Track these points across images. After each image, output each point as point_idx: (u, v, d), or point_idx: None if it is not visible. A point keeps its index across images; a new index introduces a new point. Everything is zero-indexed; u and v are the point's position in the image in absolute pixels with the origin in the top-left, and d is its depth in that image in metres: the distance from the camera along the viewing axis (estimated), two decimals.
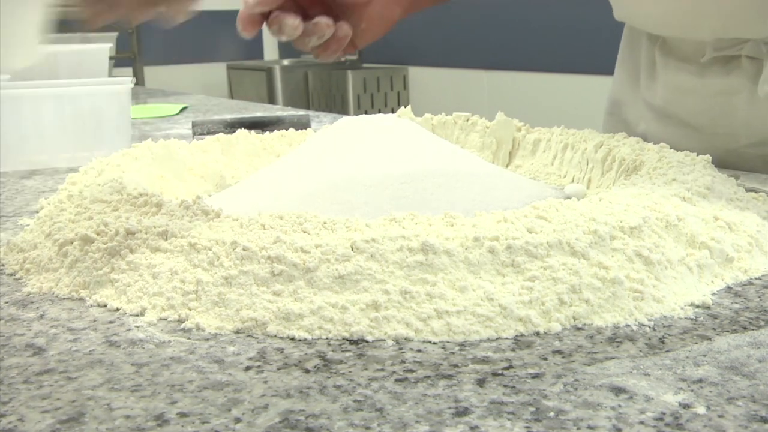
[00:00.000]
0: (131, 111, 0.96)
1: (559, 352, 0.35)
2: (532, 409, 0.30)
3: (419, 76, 3.69)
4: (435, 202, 0.52)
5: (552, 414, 0.29)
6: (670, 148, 0.61)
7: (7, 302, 0.43)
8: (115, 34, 3.14)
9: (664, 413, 0.29)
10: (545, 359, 0.34)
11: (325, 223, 0.42)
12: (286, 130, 0.76)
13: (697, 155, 0.58)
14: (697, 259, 0.43)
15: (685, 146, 0.67)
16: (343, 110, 3.62)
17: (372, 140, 0.59)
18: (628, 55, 0.92)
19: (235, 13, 0.57)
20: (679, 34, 0.80)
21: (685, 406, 0.30)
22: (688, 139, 0.79)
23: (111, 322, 0.40)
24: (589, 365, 0.34)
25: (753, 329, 0.37)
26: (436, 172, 0.57)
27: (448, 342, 0.36)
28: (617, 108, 0.92)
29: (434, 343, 0.36)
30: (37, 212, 0.60)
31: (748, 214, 0.50)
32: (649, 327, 0.38)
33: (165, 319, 0.40)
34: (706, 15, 0.75)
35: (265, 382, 0.33)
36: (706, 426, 0.28)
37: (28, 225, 0.57)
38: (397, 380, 0.33)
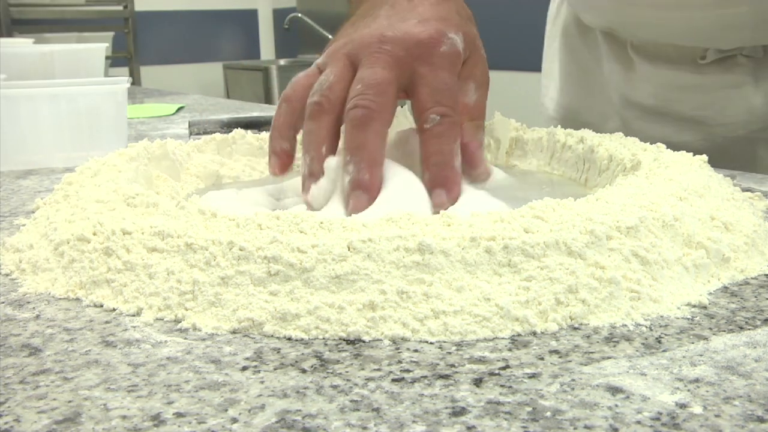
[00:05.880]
0: (128, 111, 0.96)
1: (555, 351, 0.35)
2: (529, 409, 0.30)
3: None
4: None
5: (549, 414, 0.29)
6: (666, 147, 0.60)
7: (3, 302, 0.43)
8: (111, 34, 3.14)
9: (660, 413, 0.29)
10: (542, 359, 0.34)
11: (321, 223, 0.42)
12: None
13: (693, 155, 0.58)
14: (693, 259, 0.43)
15: (679, 140, 0.65)
16: None
17: None
18: (572, 59, 0.90)
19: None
20: (677, 41, 0.78)
21: (682, 406, 0.30)
22: (684, 133, 0.78)
23: (107, 323, 0.40)
24: (585, 365, 0.34)
25: (749, 329, 0.37)
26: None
27: (444, 342, 0.36)
28: (572, 113, 0.91)
29: (431, 343, 0.36)
30: (33, 212, 0.60)
31: (745, 214, 0.50)
32: (646, 327, 0.38)
33: (161, 319, 0.40)
34: (718, 27, 0.73)
35: (262, 382, 0.33)
36: (703, 426, 0.28)
37: (24, 225, 0.56)
38: (393, 380, 0.33)
